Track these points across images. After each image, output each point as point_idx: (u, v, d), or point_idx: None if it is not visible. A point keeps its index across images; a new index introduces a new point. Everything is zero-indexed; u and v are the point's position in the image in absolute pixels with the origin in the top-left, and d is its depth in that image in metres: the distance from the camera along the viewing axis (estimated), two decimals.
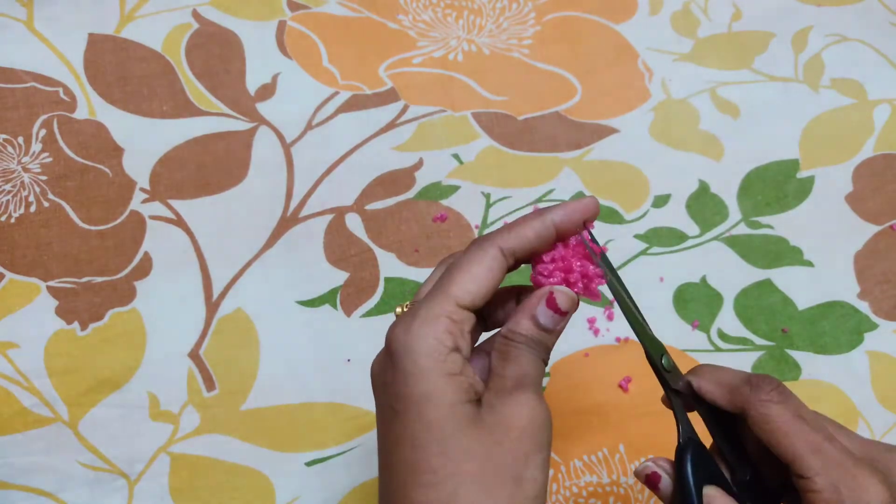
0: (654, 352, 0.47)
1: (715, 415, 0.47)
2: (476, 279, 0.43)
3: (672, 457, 0.47)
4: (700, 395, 0.47)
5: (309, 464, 0.66)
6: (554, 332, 0.44)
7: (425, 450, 0.41)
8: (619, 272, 0.72)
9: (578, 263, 0.45)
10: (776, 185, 0.76)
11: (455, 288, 0.42)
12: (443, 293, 0.42)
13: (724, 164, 0.77)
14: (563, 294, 0.44)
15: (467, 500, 0.40)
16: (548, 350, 0.45)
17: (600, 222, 0.74)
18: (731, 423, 0.47)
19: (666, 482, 0.46)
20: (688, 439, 0.46)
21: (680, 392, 0.48)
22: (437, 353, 0.41)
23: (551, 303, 0.44)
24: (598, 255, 0.46)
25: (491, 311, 0.48)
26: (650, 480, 0.47)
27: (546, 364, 0.45)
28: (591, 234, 0.46)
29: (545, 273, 0.45)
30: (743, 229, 0.75)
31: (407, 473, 0.41)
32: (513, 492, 0.41)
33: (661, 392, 0.69)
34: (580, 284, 0.45)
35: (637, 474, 0.47)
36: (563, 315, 0.44)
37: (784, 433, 0.43)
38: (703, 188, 0.76)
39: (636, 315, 0.47)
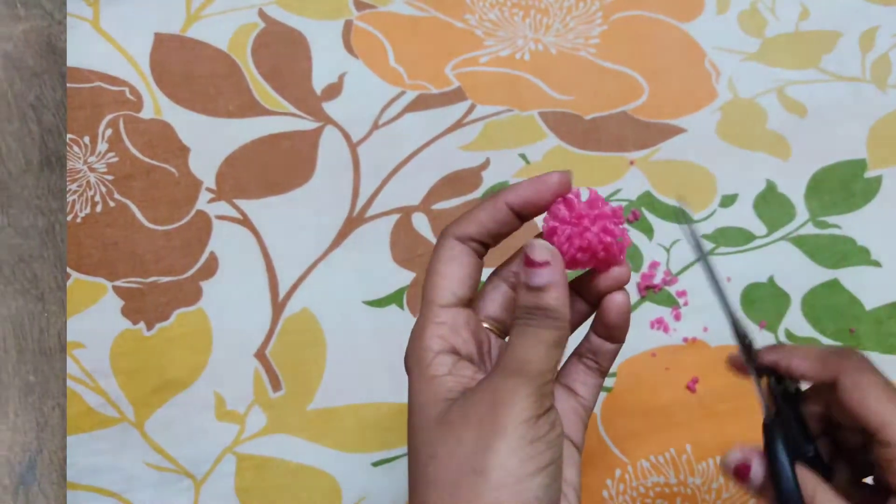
0: (741, 328, 0.49)
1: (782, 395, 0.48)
2: (446, 275, 0.44)
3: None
4: (787, 373, 0.47)
5: (375, 464, 0.66)
6: (545, 291, 0.41)
7: (411, 457, 0.43)
8: (686, 273, 0.72)
9: (594, 228, 0.44)
10: (843, 185, 0.75)
11: (432, 292, 0.44)
12: (425, 303, 0.44)
13: (792, 163, 0.76)
14: (535, 247, 0.42)
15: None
16: (556, 318, 0.42)
17: (667, 223, 0.74)
18: (795, 402, 0.48)
19: (757, 469, 0.45)
20: (775, 417, 0.47)
21: (760, 370, 0.49)
22: (422, 361, 0.43)
23: (527, 260, 0.42)
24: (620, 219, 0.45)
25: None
26: (739, 471, 0.46)
27: (561, 338, 0.42)
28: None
29: (560, 243, 0.44)
30: (810, 229, 0.74)
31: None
32: (474, 485, 0.39)
33: (729, 392, 0.69)
34: (600, 249, 0.44)
35: (724, 465, 0.46)
36: (542, 265, 0.42)
37: (876, 398, 0.43)
38: (771, 188, 0.75)
39: (724, 291, 0.49)
